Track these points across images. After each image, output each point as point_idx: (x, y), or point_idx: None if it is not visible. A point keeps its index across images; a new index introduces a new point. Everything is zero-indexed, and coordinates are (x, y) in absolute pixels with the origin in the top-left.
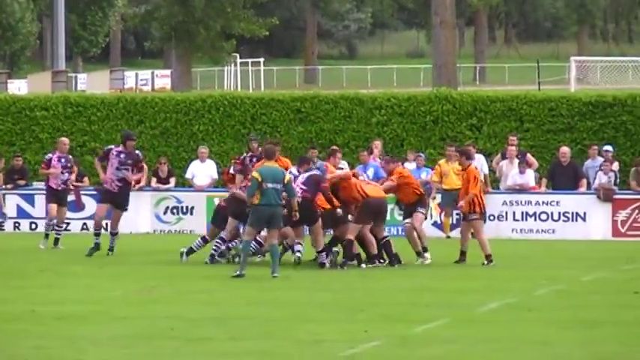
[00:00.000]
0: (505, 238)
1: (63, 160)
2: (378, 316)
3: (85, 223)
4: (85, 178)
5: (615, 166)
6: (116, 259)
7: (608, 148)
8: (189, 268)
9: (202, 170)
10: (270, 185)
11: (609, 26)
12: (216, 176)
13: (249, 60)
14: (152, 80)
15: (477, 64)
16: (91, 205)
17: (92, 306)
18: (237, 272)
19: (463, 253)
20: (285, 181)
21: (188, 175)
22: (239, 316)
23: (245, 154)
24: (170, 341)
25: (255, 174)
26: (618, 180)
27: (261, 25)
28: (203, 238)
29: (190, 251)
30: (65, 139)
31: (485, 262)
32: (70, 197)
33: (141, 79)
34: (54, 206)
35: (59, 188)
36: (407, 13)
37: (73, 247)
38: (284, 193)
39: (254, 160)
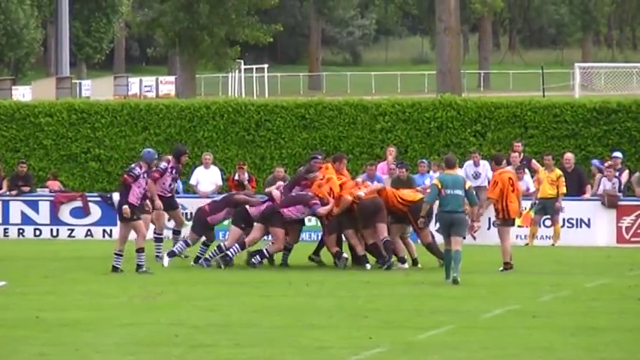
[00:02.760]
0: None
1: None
2: (382, 323)
3: (89, 230)
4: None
5: (625, 175)
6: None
7: (618, 154)
8: (193, 275)
9: (206, 177)
10: (449, 192)
11: (613, 33)
12: (220, 183)
13: (254, 66)
14: (156, 87)
15: (481, 70)
16: (96, 212)
17: (96, 312)
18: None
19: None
20: (467, 188)
21: (192, 182)
22: (243, 322)
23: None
24: (174, 348)
25: (435, 181)
26: (623, 186)
27: (265, 32)
28: (185, 241)
29: (172, 254)
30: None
31: (501, 269)
32: (77, 203)
33: (145, 86)
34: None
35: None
36: (411, 20)
37: (77, 254)
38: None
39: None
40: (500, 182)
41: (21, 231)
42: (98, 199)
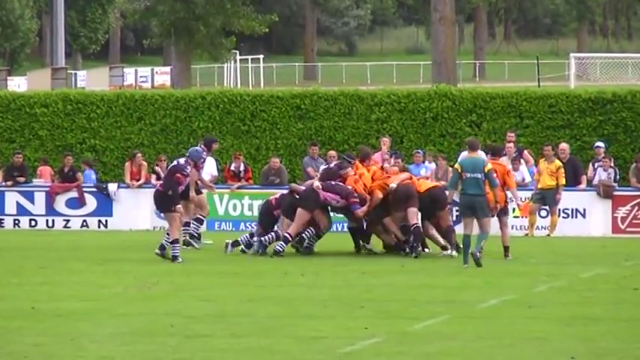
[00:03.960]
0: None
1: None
2: (377, 313)
3: (84, 220)
4: (78, 175)
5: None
6: (116, 255)
7: (600, 144)
8: (188, 265)
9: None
10: (469, 175)
11: (609, 22)
12: (216, 173)
13: (249, 57)
14: (152, 77)
15: (476, 60)
16: (92, 202)
17: (92, 303)
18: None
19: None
20: (486, 170)
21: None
22: (239, 312)
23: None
24: (170, 338)
25: (456, 165)
26: (618, 176)
27: (260, 22)
28: (251, 234)
29: (235, 243)
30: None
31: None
32: (73, 194)
33: (140, 76)
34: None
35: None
36: (406, 10)
37: (73, 244)
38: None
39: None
40: (498, 173)
41: (16, 221)
42: (94, 189)
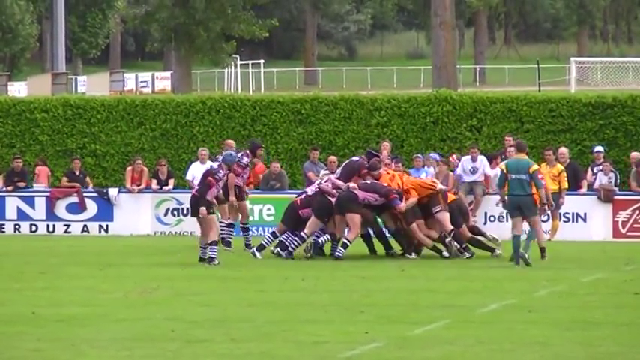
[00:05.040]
0: (506, 239)
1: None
2: (378, 318)
3: (85, 225)
4: (87, 179)
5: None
6: (117, 260)
7: (600, 149)
8: (189, 270)
9: (202, 172)
10: (513, 176)
11: (609, 27)
12: None
13: (249, 62)
14: (152, 82)
15: (476, 65)
16: (92, 207)
17: (92, 308)
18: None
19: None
20: (531, 172)
21: (188, 177)
22: (239, 317)
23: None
24: (170, 343)
25: (501, 166)
26: (619, 181)
27: (261, 27)
28: (273, 233)
29: (261, 247)
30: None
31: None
32: (74, 199)
33: (141, 81)
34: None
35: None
36: (406, 14)
37: (73, 249)
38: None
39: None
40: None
41: (17, 227)
42: (94, 194)
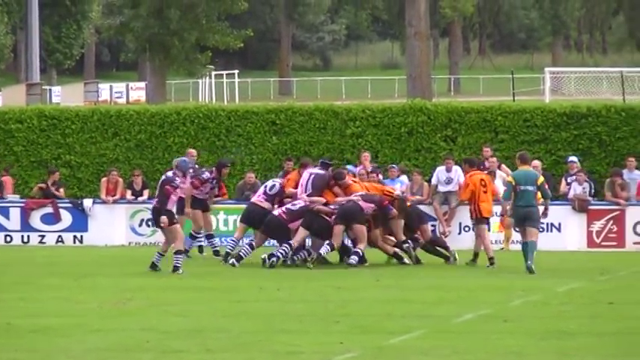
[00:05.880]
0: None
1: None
2: (353, 328)
3: (60, 236)
4: (62, 190)
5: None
6: (91, 271)
7: (573, 159)
8: (163, 280)
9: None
10: (522, 188)
11: (583, 37)
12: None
13: (224, 72)
14: (127, 93)
15: (451, 75)
16: (67, 218)
17: (67, 319)
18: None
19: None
20: (538, 183)
21: None
22: (214, 328)
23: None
24: (145, 353)
25: (510, 178)
26: (593, 190)
27: (235, 37)
28: (250, 244)
29: (239, 258)
30: (193, 151)
31: (487, 265)
32: (48, 210)
33: (115, 92)
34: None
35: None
36: (381, 25)
37: (49, 260)
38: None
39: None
40: (472, 184)
41: None
42: (69, 205)
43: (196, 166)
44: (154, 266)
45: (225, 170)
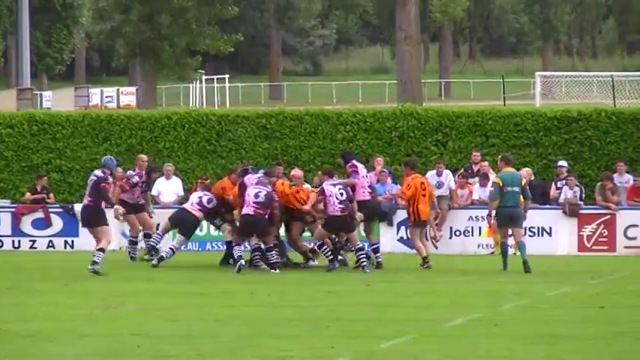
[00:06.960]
0: (471, 254)
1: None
2: (344, 332)
3: (51, 241)
4: (51, 195)
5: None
6: (82, 276)
7: (563, 163)
8: (155, 285)
9: (168, 187)
10: (509, 189)
11: (574, 41)
12: (182, 193)
13: (215, 77)
14: (117, 97)
15: (441, 79)
16: (58, 223)
17: (58, 323)
18: None
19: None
20: (523, 184)
21: (154, 192)
22: (205, 333)
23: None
24: (136, 358)
25: (497, 180)
26: (584, 195)
27: (226, 42)
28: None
29: (161, 259)
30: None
31: (420, 264)
32: (39, 215)
33: (106, 97)
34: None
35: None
36: (371, 29)
37: (39, 265)
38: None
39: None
40: (413, 186)
41: None
42: (60, 210)
43: (130, 171)
44: (94, 263)
45: (153, 175)
